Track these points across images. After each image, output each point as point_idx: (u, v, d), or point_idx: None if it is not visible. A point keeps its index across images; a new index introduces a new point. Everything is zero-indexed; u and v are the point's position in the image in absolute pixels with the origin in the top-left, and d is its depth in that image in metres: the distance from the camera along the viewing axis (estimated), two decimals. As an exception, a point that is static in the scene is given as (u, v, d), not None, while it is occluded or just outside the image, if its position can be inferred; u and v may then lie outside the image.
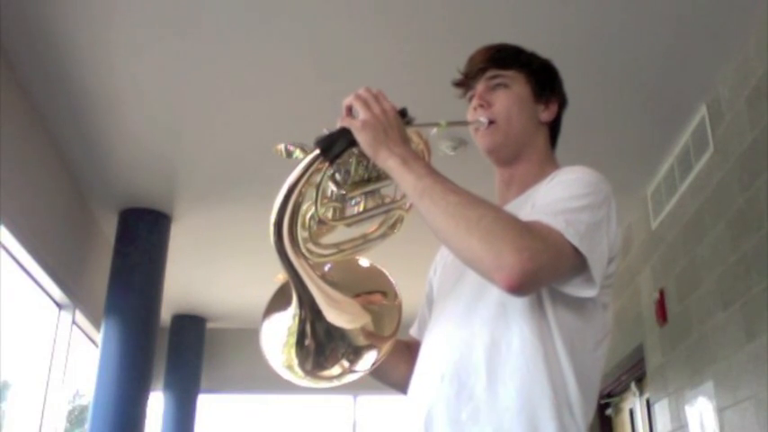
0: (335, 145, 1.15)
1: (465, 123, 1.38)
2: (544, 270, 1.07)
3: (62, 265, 3.95)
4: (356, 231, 1.27)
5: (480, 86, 1.37)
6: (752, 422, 2.89)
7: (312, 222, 1.18)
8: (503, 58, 1.38)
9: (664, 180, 3.88)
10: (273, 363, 1.22)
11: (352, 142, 1.16)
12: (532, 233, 1.07)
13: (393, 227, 1.30)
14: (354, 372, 1.22)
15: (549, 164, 1.38)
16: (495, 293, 1.18)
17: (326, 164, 1.15)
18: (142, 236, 4.30)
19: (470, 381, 1.16)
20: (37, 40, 2.95)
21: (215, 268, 5.36)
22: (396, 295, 1.31)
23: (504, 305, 1.19)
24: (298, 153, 1.16)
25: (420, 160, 1.18)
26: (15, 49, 3.01)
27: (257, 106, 3.42)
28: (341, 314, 1.22)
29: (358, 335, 1.24)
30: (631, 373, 4.46)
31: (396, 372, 1.37)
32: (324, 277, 1.23)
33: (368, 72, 3.07)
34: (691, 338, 3.53)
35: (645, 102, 3.37)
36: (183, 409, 6.11)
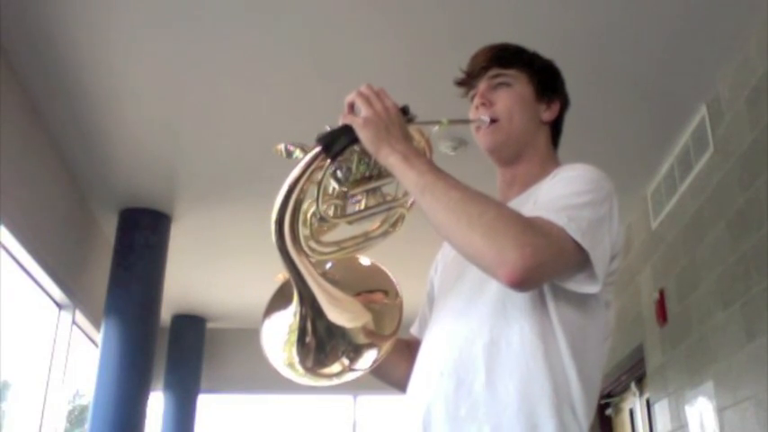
0: (337, 142, 1.15)
1: (467, 122, 1.38)
2: (546, 265, 1.07)
3: (62, 265, 3.95)
4: (357, 229, 1.27)
5: (482, 85, 1.38)
6: (752, 422, 2.89)
7: (313, 220, 1.18)
8: (505, 57, 1.39)
9: (664, 180, 3.88)
10: (274, 360, 1.22)
11: (354, 139, 1.16)
12: (535, 229, 1.08)
13: (394, 225, 1.30)
14: (354, 370, 1.22)
15: (551, 163, 1.38)
16: (495, 291, 1.19)
17: (328, 161, 1.15)
18: (142, 236, 4.30)
19: (469, 377, 1.16)
20: (37, 40, 2.95)
21: (215, 268, 5.35)
22: (397, 294, 1.31)
23: (505, 302, 1.19)
24: (298, 153, 1.16)
25: (422, 157, 1.18)
26: (15, 49, 3.01)
27: (257, 106, 3.42)
28: (342, 313, 1.22)
29: (359, 333, 1.24)
30: (631, 373, 4.47)
31: (396, 370, 1.37)
32: (325, 275, 1.23)
33: (368, 72, 3.07)
34: (691, 338, 3.53)
35: (645, 102, 3.37)
36: (183, 409, 6.11)
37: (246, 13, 2.82)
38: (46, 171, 3.69)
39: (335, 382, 1.22)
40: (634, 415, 4.63)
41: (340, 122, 1.18)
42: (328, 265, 1.29)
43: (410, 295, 1.37)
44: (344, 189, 1.21)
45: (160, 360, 5.55)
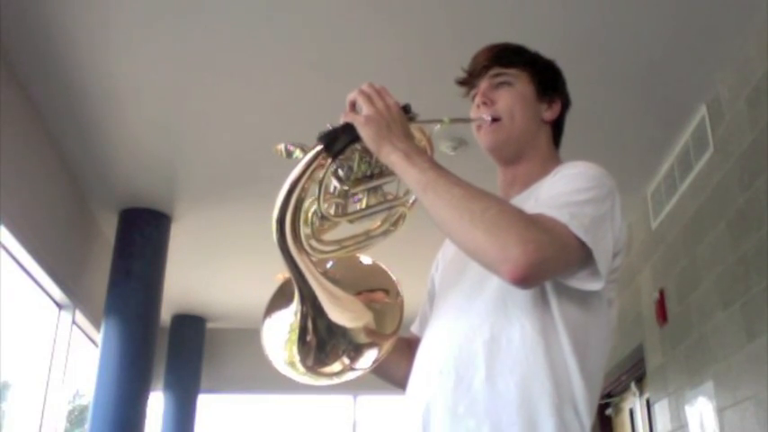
0: (339, 140, 1.15)
1: (468, 120, 1.38)
2: (549, 262, 1.07)
3: (62, 265, 3.95)
4: (359, 228, 1.27)
5: (484, 84, 1.38)
6: (752, 422, 2.89)
7: (315, 218, 1.18)
8: (506, 56, 1.39)
9: (664, 180, 3.88)
10: (274, 359, 1.22)
11: (356, 138, 1.16)
12: (538, 225, 1.07)
13: (395, 224, 1.30)
14: (355, 369, 1.22)
15: (552, 162, 1.38)
16: (495, 288, 1.19)
17: (329, 159, 1.16)
18: (142, 236, 4.30)
19: (468, 374, 1.16)
20: (37, 40, 2.95)
21: (215, 268, 5.35)
22: (397, 293, 1.31)
23: (505, 299, 1.19)
24: (298, 153, 1.16)
25: (423, 155, 1.18)
26: (15, 49, 3.01)
27: (257, 106, 3.42)
28: (343, 312, 1.22)
29: (359, 332, 1.24)
30: (631, 373, 4.47)
31: (397, 369, 1.37)
32: (326, 274, 1.23)
33: (368, 71, 3.07)
34: (691, 338, 3.53)
35: (645, 102, 3.37)
36: (183, 409, 6.11)
37: (246, 12, 2.82)
38: (46, 171, 3.69)
39: (336, 381, 1.22)
40: (634, 415, 4.63)
41: (341, 121, 1.18)
42: (329, 264, 1.29)
43: (411, 294, 1.37)
44: (346, 188, 1.21)
45: (160, 360, 5.55)
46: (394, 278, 1.33)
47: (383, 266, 1.35)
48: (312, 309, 1.18)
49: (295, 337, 1.20)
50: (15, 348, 3.85)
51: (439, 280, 1.44)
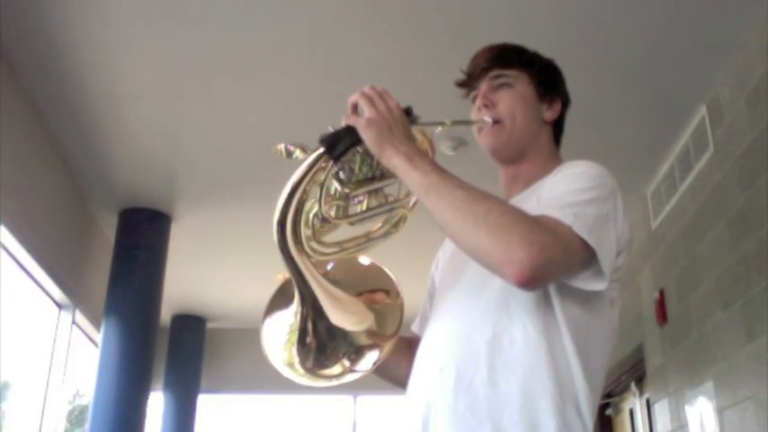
0: (340, 143, 1.15)
1: (470, 123, 1.38)
2: (554, 264, 1.07)
3: (62, 265, 3.95)
4: (359, 230, 1.27)
5: (484, 86, 1.37)
6: (752, 422, 2.89)
7: (315, 220, 1.18)
8: (506, 57, 1.39)
9: (664, 180, 3.88)
10: (274, 360, 1.22)
11: (357, 140, 1.16)
12: (541, 227, 1.07)
13: (396, 226, 1.30)
14: (355, 371, 1.22)
15: (554, 161, 1.38)
16: (497, 287, 1.19)
17: (331, 162, 1.15)
18: (142, 236, 4.30)
19: (469, 373, 1.16)
20: (37, 40, 2.95)
21: (215, 268, 5.35)
22: (398, 294, 1.31)
23: (508, 299, 1.19)
24: (298, 153, 1.16)
25: (425, 157, 1.18)
26: (15, 49, 3.01)
27: (258, 106, 3.42)
28: (344, 314, 1.22)
29: (360, 334, 1.24)
30: (631, 373, 4.46)
31: (398, 369, 1.37)
32: (326, 276, 1.23)
33: (368, 72, 3.06)
34: (691, 338, 3.53)
35: (645, 102, 3.37)
36: (183, 409, 6.11)
37: (248, 13, 2.82)
38: (46, 171, 3.69)
39: (335, 383, 1.22)
40: (634, 415, 4.63)
41: (343, 123, 1.18)
42: (329, 266, 1.29)
43: (411, 295, 1.37)
44: (347, 190, 1.21)
45: (160, 360, 5.55)
46: (394, 279, 1.33)
47: (383, 267, 1.35)
48: (312, 311, 1.18)
49: (295, 338, 1.20)
50: (15, 348, 3.85)
51: (439, 278, 1.44)
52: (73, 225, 4.18)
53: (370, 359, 1.22)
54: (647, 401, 4.28)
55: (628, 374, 4.52)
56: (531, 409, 1.12)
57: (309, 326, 1.19)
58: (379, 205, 1.25)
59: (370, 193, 1.24)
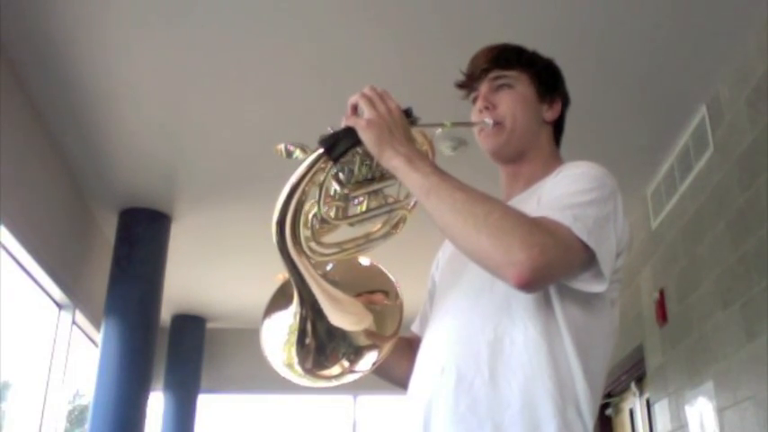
0: (340, 144, 1.15)
1: (470, 124, 1.38)
2: (554, 265, 1.07)
3: (62, 265, 3.95)
4: (359, 231, 1.27)
5: (484, 88, 1.37)
6: (752, 422, 2.89)
7: (315, 221, 1.18)
8: (506, 58, 1.38)
9: (664, 180, 3.88)
10: (273, 361, 1.22)
11: (357, 141, 1.16)
12: (541, 229, 1.07)
13: (396, 227, 1.30)
14: (354, 372, 1.22)
15: (554, 161, 1.38)
16: (499, 288, 1.18)
17: (330, 163, 1.15)
18: (142, 236, 4.30)
19: (470, 374, 1.16)
20: (37, 39, 2.95)
21: (215, 268, 5.35)
22: (397, 295, 1.31)
23: (510, 300, 1.19)
24: (298, 153, 1.16)
25: (425, 159, 1.18)
26: (15, 49, 3.01)
27: (258, 106, 3.42)
28: (344, 314, 1.22)
29: (359, 334, 1.24)
30: (631, 373, 4.46)
31: (398, 369, 1.37)
32: (325, 276, 1.23)
33: (368, 72, 3.07)
34: (691, 338, 3.53)
35: (645, 102, 3.37)
36: (183, 409, 6.11)
37: (247, 13, 2.82)
38: (46, 171, 3.69)
39: (335, 383, 1.22)
40: (634, 415, 4.63)
41: (343, 124, 1.18)
42: (329, 267, 1.29)
43: (411, 296, 1.37)
44: (346, 191, 1.20)
45: (160, 360, 5.55)
46: (393, 280, 1.33)
47: (382, 268, 1.35)
48: (312, 311, 1.18)
49: (294, 339, 1.20)
50: (15, 348, 3.85)
51: (439, 279, 1.44)
52: (73, 225, 4.18)
53: (369, 359, 1.22)
54: (647, 401, 4.28)
55: (628, 374, 4.52)
56: (531, 410, 1.12)
57: (309, 326, 1.19)
58: (379, 206, 1.25)
59: (369, 194, 1.24)
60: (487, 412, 1.13)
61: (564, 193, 1.17)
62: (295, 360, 1.20)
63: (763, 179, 2.82)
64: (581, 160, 1.26)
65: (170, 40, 2.98)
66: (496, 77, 1.37)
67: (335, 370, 1.21)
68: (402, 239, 1.34)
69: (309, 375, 1.21)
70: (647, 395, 4.30)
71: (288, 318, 1.22)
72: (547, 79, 1.41)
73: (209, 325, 6.49)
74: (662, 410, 3.91)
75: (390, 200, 1.27)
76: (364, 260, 1.34)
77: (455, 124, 1.29)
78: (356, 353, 1.22)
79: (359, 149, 1.18)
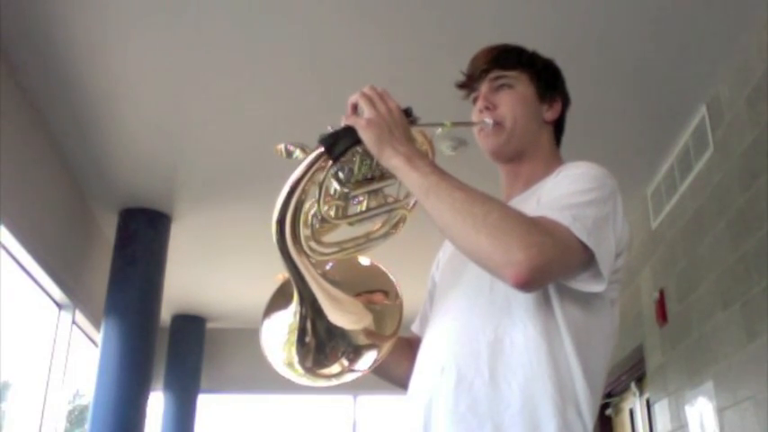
0: (340, 143, 1.15)
1: (470, 124, 1.38)
2: (552, 265, 1.07)
3: (62, 265, 3.95)
4: (359, 230, 1.27)
5: (484, 88, 1.38)
6: (752, 422, 2.89)
7: (314, 220, 1.18)
8: (506, 58, 1.39)
9: (664, 180, 3.88)
10: (273, 360, 1.22)
11: (357, 140, 1.16)
12: (540, 228, 1.07)
13: (396, 226, 1.30)
14: (354, 371, 1.22)
15: (554, 161, 1.38)
16: (499, 289, 1.19)
17: (330, 162, 1.15)
18: (142, 236, 4.30)
19: (470, 374, 1.16)
20: (37, 40, 2.95)
21: (215, 268, 5.35)
22: (397, 295, 1.31)
23: (510, 301, 1.19)
24: (298, 153, 1.16)
25: (425, 158, 1.18)
26: (15, 49, 3.01)
27: (257, 106, 3.42)
28: (344, 314, 1.22)
29: (359, 334, 1.24)
30: (631, 373, 4.46)
31: (398, 369, 1.38)
32: (325, 276, 1.23)
33: (367, 72, 3.07)
34: (691, 338, 3.53)
35: (645, 102, 3.37)
36: (183, 409, 6.11)
37: (247, 14, 2.82)
38: (46, 171, 3.69)
39: (335, 382, 1.22)
40: (634, 415, 4.63)
41: (343, 123, 1.18)
42: (329, 266, 1.29)
43: (410, 296, 1.37)
44: (346, 190, 1.20)
45: (160, 360, 5.55)
46: (393, 279, 1.33)
47: (382, 268, 1.35)
48: (311, 310, 1.18)
49: (294, 338, 1.20)
50: (15, 348, 3.85)
51: (439, 279, 1.44)
52: (73, 225, 4.18)
53: (368, 359, 1.22)
54: (647, 401, 4.28)
55: (628, 374, 4.52)
56: (531, 410, 1.12)
57: (308, 325, 1.19)
58: (379, 206, 1.25)
59: (369, 193, 1.24)
60: (487, 412, 1.13)
61: (563, 193, 1.18)
62: (295, 359, 1.21)
63: (764, 179, 2.82)
64: (581, 160, 1.27)
65: (169, 40, 2.98)
66: (497, 78, 1.37)
67: (335, 369, 1.21)
68: (402, 239, 1.34)
69: (309, 374, 1.21)
70: (647, 395, 4.30)
71: (288, 317, 1.22)
72: (547, 79, 1.41)
73: (209, 325, 6.49)
74: (662, 410, 3.91)
75: (390, 199, 1.27)
76: (364, 260, 1.34)
77: (455, 124, 1.29)
78: (356, 352, 1.22)
79: (359, 149, 1.18)
